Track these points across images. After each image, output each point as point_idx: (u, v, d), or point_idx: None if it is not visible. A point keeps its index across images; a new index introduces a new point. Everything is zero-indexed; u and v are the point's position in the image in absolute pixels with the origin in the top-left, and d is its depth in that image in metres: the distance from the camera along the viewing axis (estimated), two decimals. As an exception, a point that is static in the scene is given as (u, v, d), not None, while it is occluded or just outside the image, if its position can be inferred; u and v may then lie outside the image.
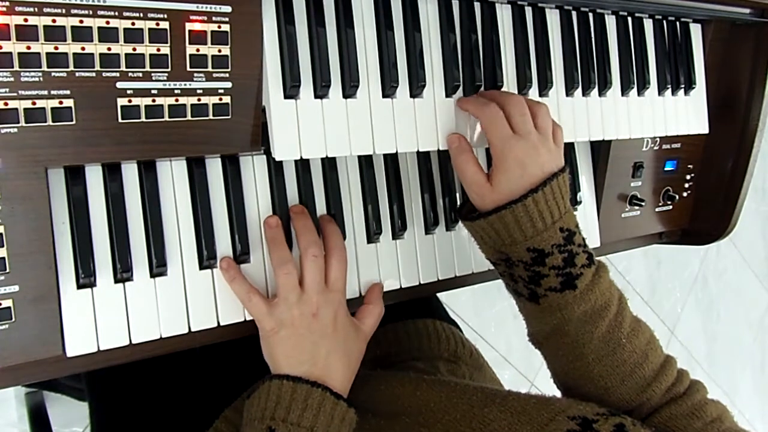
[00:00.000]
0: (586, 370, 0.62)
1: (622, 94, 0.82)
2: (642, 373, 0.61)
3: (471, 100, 0.67)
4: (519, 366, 2.00)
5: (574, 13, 0.77)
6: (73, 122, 0.51)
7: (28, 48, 0.48)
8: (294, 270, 0.59)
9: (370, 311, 0.65)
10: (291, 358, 0.58)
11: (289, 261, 0.59)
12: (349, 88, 0.62)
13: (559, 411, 0.54)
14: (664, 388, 0.61)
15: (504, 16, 0.72)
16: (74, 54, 0.50)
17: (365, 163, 0.69)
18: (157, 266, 0.58)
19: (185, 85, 0.55)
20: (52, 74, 0.50)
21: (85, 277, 0.54)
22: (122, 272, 0.56)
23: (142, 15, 0.52)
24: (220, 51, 0.55)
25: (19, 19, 0.48)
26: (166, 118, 0.55)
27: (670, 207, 0.95)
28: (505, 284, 0.67)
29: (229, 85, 0.57)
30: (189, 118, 0.56)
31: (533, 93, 0.74)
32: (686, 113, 0.88)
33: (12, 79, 0.49)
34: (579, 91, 0.78)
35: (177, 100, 0.55)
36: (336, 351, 0.60)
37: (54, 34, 0.49)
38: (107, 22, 0.50)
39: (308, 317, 0.59)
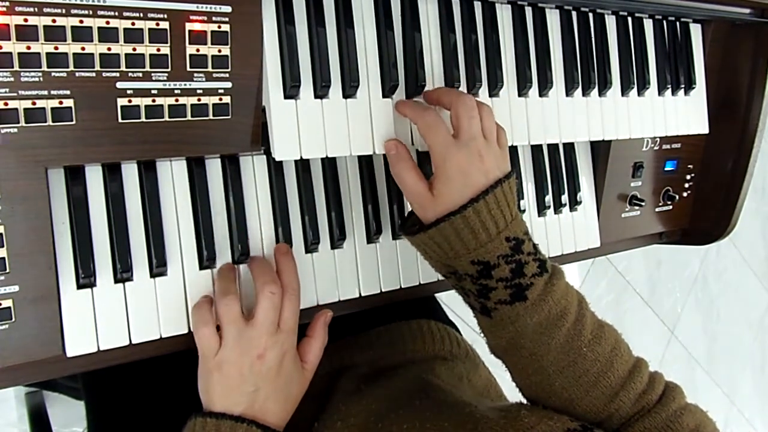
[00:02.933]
0: (548, 383, 0.59)
1: (622, 95, 0.82)
2: (607, 382, 0.58)
3: (409, 104, 0.64)
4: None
5: (574, 13, 0.77)
6: (73, 122, 0.51)
7: (28, 48, 0.48)
8: (235, 303, 0.57)
9: (311, 347, 0.62)
10: (227, 399, 0.56)
11: (233, 293, 0.57)
12: (349, 88, 0.62)
13: (527, 428, 0.53)
14: (634, 397, 0.58)
15: (504, 16, 0.72)
16: (74, 54, 0.50)
17: (365, 163, 0.69)
18: (157, 266, 0.57)
19: (185, 85, 0.55)
20: (52, 74, 0.50)
21: (85, 277, 0.54)
22: (122, 272, 0.56)
23: (142, 15, 0.52)
24: (220, 51, 0.55)
25: (19, 19, 0.48)
26: (166, 118, 0.55)
27: (670, 207, 0.95)
28: (462, 298, 0.64)
29: (229, 85, 0.57)
30: (189, 118, 0.56)
31: (533, 93, 0.74)
32: (686, 113, 0.88)
33: (12, 79, 0.49)
34: (579, 91, 0.78)
35: (177, 100, 0.55)
36: (276, 394, 0.58)
37: (54, 34, 0.49)
38: (107, 22, 0.50)
39: (253, 357, 0.56)
